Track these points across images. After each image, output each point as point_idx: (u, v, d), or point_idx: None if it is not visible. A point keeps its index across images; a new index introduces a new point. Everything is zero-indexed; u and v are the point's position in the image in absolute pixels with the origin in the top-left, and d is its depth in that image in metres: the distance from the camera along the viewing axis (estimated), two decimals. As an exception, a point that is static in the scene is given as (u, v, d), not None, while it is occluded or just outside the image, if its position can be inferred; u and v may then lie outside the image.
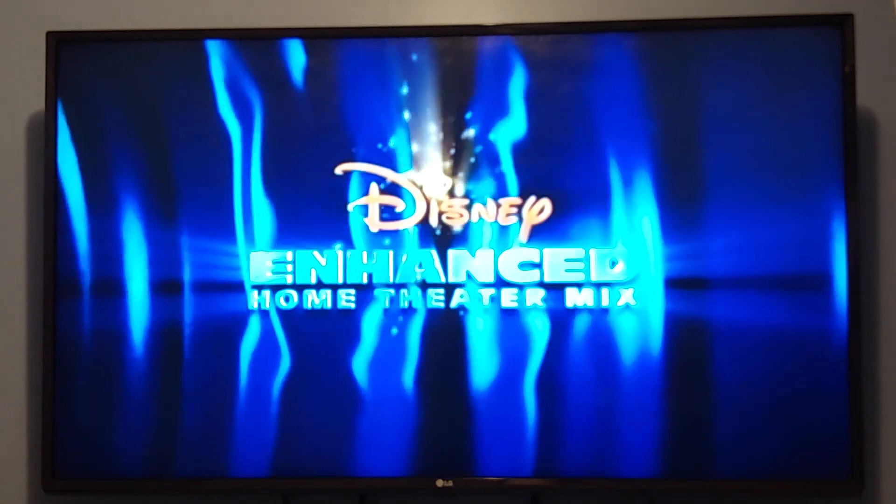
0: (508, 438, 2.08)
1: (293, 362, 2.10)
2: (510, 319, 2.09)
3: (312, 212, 2.11)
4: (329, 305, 2.11)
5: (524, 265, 2.09)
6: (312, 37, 2.12)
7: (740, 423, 2.05)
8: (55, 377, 2.10)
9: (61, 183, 2.11)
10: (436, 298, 2.10)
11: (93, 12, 2.24)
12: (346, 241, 2.11)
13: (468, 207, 2.10)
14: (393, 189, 2.11)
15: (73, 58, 2.12)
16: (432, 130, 2.10)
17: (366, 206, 2.11)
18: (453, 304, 2.09)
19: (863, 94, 2.09)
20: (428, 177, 2.10)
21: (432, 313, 2.09)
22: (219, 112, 2.12)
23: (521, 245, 2.09)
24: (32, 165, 2.22)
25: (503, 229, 2.10)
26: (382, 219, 2.11)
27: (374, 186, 2.11)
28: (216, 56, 2.12)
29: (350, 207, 2.11)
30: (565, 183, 2.09)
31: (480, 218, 2.10)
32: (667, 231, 2.07)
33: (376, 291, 2.10)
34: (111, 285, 2.11)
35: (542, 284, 2.09)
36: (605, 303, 2.08)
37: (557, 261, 2.09)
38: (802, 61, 2.07)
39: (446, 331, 2.10)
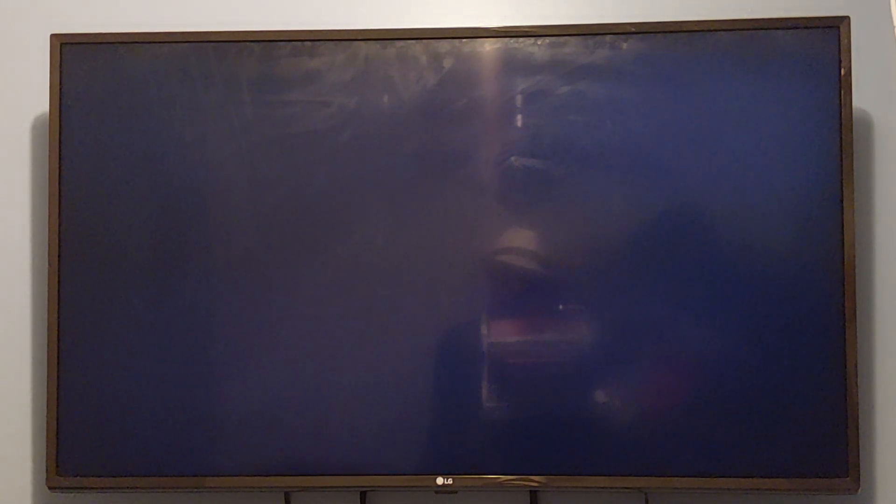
0: (508, 436, 2.09)
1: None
2: (511, 320, 2.11)
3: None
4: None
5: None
6: (309, 39, 2.14)
7: (737, 421, 2.06)
8: (59, 374, 2.11)
9: (65, 185, 2.12)
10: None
11: (97, 15, 2.25)
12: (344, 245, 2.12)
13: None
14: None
15: (77, 60, 2.13)
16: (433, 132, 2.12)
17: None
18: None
19: (859, 97, 2.09)
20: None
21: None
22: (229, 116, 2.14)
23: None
24: (37, 168, 2.23)
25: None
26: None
27: None
28: (221, 59, 2.13)
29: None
30: (564, 183, 2.10)
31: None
32: (663, 229, 2.08)
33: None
34: (116, 284, 2.12)
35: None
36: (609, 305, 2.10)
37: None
38: (798, 64, 2.07)
39: (448, 331, 2.12)
